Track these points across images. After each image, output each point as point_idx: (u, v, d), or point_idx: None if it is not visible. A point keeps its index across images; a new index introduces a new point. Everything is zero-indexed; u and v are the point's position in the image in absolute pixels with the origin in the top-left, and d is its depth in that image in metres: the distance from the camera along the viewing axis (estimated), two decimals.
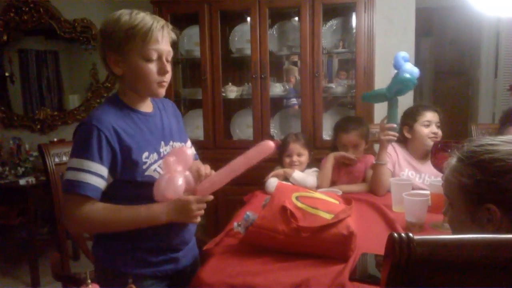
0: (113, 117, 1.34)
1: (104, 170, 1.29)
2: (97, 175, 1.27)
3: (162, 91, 1.41)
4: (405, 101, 3.21)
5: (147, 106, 1.46)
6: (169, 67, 1.39)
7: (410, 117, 2.29)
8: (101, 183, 1.29)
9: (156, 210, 1.32)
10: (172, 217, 1.33)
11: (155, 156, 1.39)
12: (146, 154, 1.36)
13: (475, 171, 0.97)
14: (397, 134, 2.15)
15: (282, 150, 2.36)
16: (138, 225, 1.33)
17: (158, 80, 1.37)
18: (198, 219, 1.37)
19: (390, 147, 2.33)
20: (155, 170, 1.37)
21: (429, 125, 2.24)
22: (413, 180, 2.18)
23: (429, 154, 2.21)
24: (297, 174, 2.25)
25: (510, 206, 0.92)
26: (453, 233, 1.07)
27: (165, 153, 1.42)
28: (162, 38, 1.35)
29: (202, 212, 1.36)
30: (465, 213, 1.00)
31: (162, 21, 1.36)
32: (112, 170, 1.32)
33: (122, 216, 1.31)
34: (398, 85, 2.04)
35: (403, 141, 2.33)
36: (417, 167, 2.27)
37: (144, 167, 1.35)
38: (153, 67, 1.35)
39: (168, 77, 1.40)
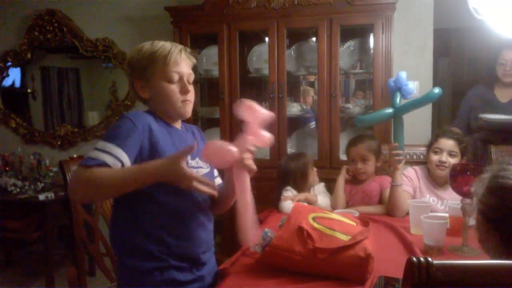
0: (149, 117, 1.43)
1: (124, 156, 1.31)
2: (115, 157, 1.30)
3: (188, 110, 1.49)
4: (423, 121, 3.20)
5: (177, 125, 1.54)
6: (191, 88, 1.48)
7: (430, 141, 2.30)
8: (114, 163, 1.30)
9: (149, 163, 1.31)
10: (163, 176, 1.29)
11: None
12: None
13: (493, 199, 0.95)
14: (401, 152, 2.13)
15: (308, 168, 2.34)
16: (131, 178, 1.29)
17: (181, 99, 1.46)
18: (192, 184, 1.29)
19: (411, 171, 2.31)
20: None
21: (438, 152, 2.21)
22: (435, 206, 2.16)
23: (441, 175, 2.21)
24: (321, 201, 2.24)
25: None
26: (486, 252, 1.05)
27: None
28: (181, 60, 1.45)
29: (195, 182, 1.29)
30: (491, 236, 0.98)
31: (180, 46, 1.48)
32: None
33: (115, 171, 1.29)
34: (428, 101, 2.19)
35: (428, 167, 2.32)
36: (438, 193, 2.23)
37: None
38: (175, 87, 1.45)
39: (191, 97, 1.49)
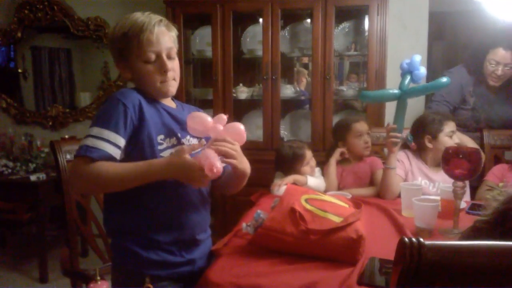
0: (137, 95, 1.38)
1: (121, 141, 1.30)
2: (114, 144, 1.28)
3: (170, 89, 1.43)
4: (417, 105, 3.20)
5: (169, 103, 1.50)
6: (172, 63, 1.41)
7: (434, 126, 2.23)
8: (116, 152, 1.29)
9: (156, 163, 1.30)
10: (171, 172, 1.28)
11: (173, 140, 1.41)
12: (162, 136, 1.38)
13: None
14: (399, 135, 2.13)
15: (298, 160, 2.29)
16: (137, 177, 1.27)
17: (160, 79, 1.40)
18: (203, 183, 1.30)
19: (403, 154, 2.31)
20: (171, 154, 1.37)
21: (451, 136, 2.22)
22: (427, 189, 2.17)
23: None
24: (311, 182, 2.23)
25: None
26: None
27: (184, 142, 1.44)
28: (157, 37, 1.37)
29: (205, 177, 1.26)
30: None
31: (155, 19, 1.38)
32: (129, 143, 1.33)
33: (121, 167, 1.28)
34: (435, 89, 2.23)
35: (418, 150, 2.31)
36: (430, 175, 2.24)
37: (160, 147, 1.36)
38: (152, 68, 1.39)
39: (172, 74, 1.42)
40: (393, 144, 2.13)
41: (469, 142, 2.42)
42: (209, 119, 1.38)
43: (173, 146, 1.40)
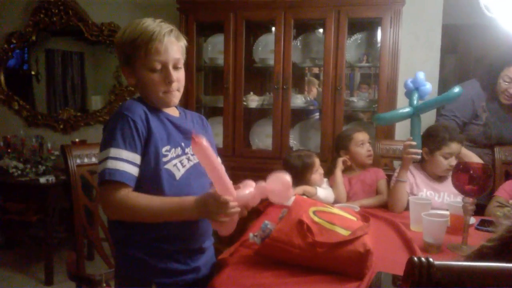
0: (142, 106, 1.38)
1: (138, 159, 1.32)
2: (133, 164, 1.30)
3: (172, 99, 1.42)
4: (428, 118, 3.18)
5: (172, 111, 1.49)
6: (178, 74, 1.40)
7: (434, 142, 2.20)
8: (136, 171, 1.32)
9: (186, 201, 1.31)
10: (199, 208, 1.28)
11: (178, 150, 1.41)
12: (167, 147, 1.38)
13: None
14: (419, 151, 2.12)
15: (307, 169, 2.27)
16: (168, 213, 1.31)
17: (163, 89, 1.39)
18: (222, 218, 1.28)
19: None
20: (175, 165, 1.38)
21: (448, 158, 2.18)
22: (432, 199, 2.15)
23: (447, 175, 2.19)
24: (321, 193, 2.22)
25: None
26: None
27: (188, 151, 1.44)
28: (166, 47, 1.36)
29: (225, 212, 1.27)
30: None
31: (166, 29, 1.37)
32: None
33: (154, 202, 1.31)
34: (448, 101, 2.18)
35: (420, 161, 2.28)
36: (435, 186, 2.23)
37: (165, 159, 1.37)
38: (157, 77, 1.37)
39: (176, 85, 1.41)
40: (412, 159, 2.13)
41: (473, 158, 2.38)
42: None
43: (177, 156, 1.40)
